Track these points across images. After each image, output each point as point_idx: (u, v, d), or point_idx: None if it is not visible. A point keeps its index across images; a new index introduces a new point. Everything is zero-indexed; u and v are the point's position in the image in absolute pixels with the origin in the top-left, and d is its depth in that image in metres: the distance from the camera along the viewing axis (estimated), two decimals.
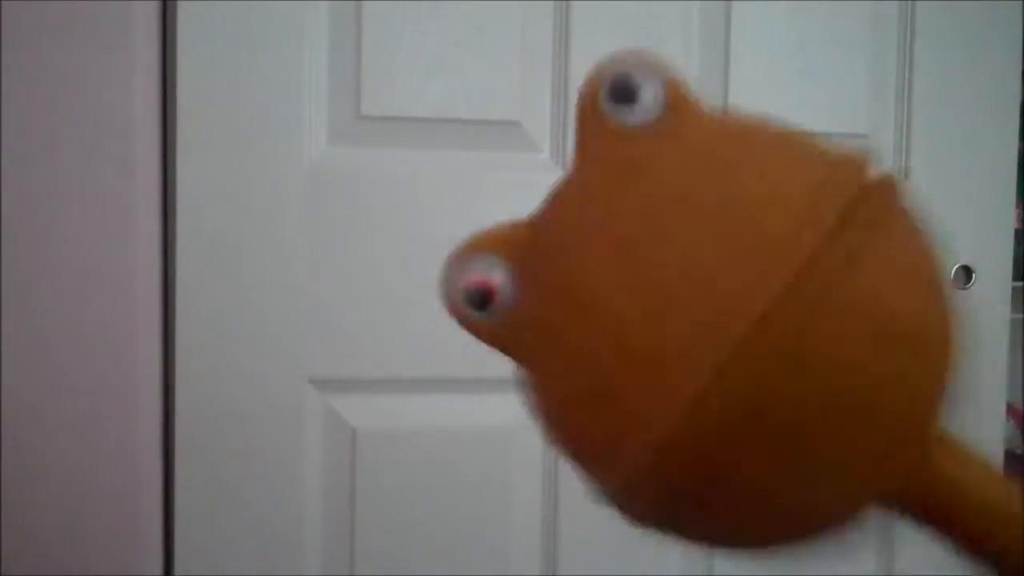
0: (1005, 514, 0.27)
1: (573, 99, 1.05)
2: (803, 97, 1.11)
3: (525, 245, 0.25)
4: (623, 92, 0.24)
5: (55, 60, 0.95)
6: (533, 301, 0.23)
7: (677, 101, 0.24)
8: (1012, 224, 1.17)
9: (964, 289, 1.15)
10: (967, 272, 1.15)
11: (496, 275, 0.24)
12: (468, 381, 1.05)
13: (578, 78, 1.05)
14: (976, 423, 1.17)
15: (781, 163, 0.25)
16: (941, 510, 0.28)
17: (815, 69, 1.11)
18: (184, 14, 0.98)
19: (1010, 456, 1.30)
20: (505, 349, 0.24)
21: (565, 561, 1.09)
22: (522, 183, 1.06)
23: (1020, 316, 1.39)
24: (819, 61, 1.11)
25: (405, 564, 1.05)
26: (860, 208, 0.24)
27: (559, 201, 0.26)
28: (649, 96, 0.24)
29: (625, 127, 0.24)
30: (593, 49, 1.05)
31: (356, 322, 1.03)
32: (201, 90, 0.98)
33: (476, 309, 0.24)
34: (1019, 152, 1.17)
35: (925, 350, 0.25)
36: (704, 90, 1.09)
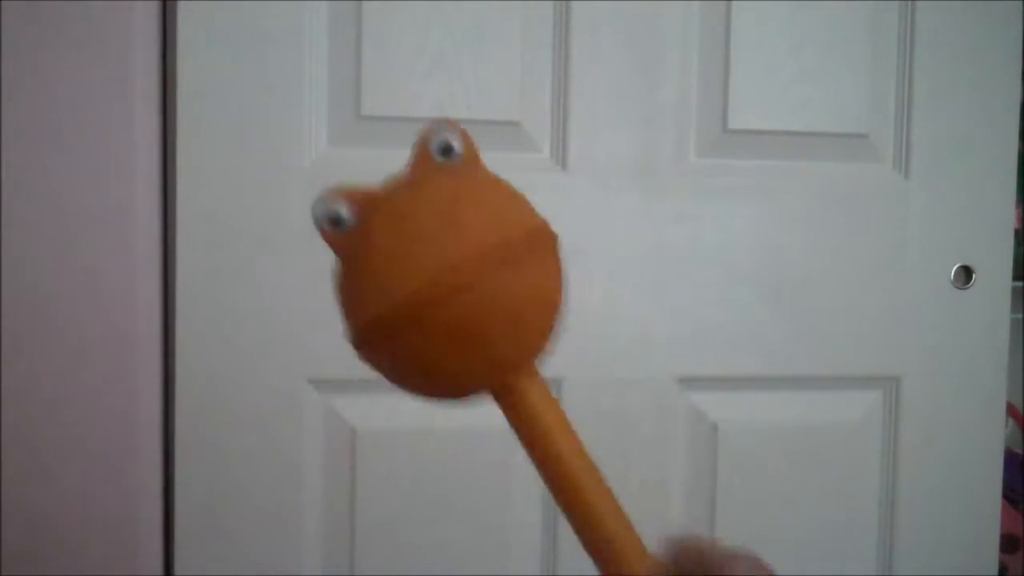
0: (546, 432, 0.45)
1: (573, 99, 1.05)
2: (803, 97, 1.11)
3: (364, 198, 0.44)
4: (445, 149, 0.47)
5: (55, 60, 0.95)
6: (357, 227, 0.43)
7: (471, 156, 0.48)
8: (1012, 224, 1.17)
9: (964, 289, 1.15)
10: (967, 272, 1.15)
11: (343, 210, 0.44)
12: None
13: (578, 78, 1.05)
14: (976, 423, 1.17)
15: (494, 203, 0.46)
16: (516, 414, 0.46)
17: (815, 69, 1.11)
18: (184, 14, 0.98)
19: (1010, 456, 1.30)
20: (337, 251, 0.44)
21: (565, 561, 1.09)
22: (522, 183, 1.05)
23: (1020, 316, 1.39)
24: (819, 61, 1.11)
25: (405, 564, 1.05)
26: (525, 241, 0.44)
27: (391, 183, 0.45)
28: (455, 151, 0.47)
29: (443, 163, 0.46)
30: (593, 49, 1.05)
31: None
32: (201, 90, 0.98)
33: (332, 228, 0.44)
34: (1019, 152, 1.17)
35: (531, 325, 0.44)
36: (704, 90, 1.09)
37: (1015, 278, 1.20)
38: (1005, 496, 1.25)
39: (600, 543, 0.45)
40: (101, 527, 0.99)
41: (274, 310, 1.01)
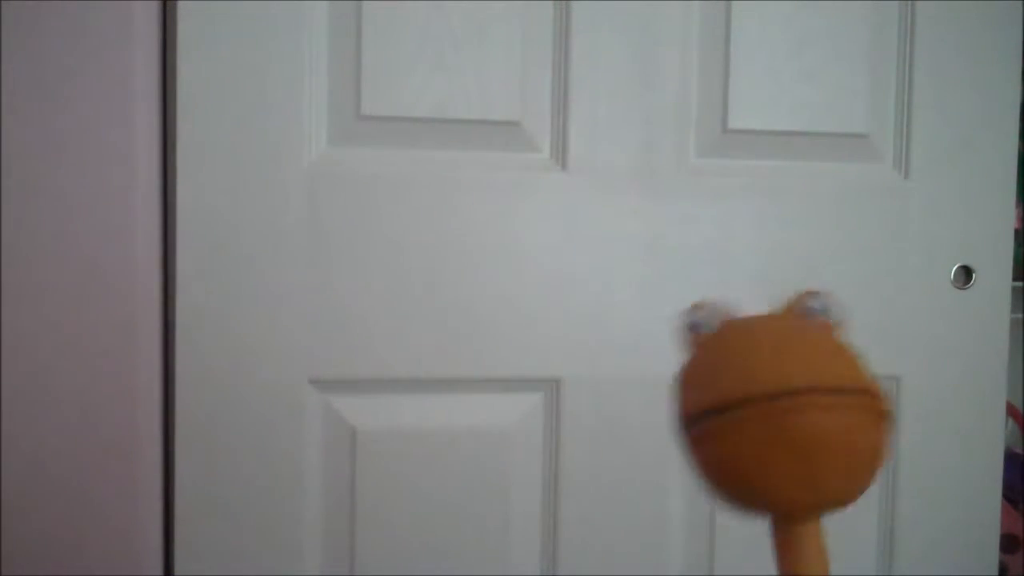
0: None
1: (573, 99, 1.05)
2: (803, 97, 1.11)
3: (727, 315, 0.51)
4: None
5: (55, 60, 0.95)
6: (715, 333, 0.50)
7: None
8: (1012, 224, 1.17)
9: (964, 289, 1.16)
10: (967, 272, 1.15)
11: (705, 316, 0.51)
12: (468, 381, 1.05)
13: (578, 78, 1.05)
14: (976, 423, 1.17)
15: (839, 353, 0.50)
16: (791, 555, 0.47)
17: (815, 69, 1.11)
18: (184, 14, 0.98)
19: (1010, 456, 1.30)
20: (690, 348, 0.50)
21: (565, 561, 1.09)
22: (522, 183, 1.06)
23: (1020, 316, 1.39)
24: (819, 61, 1.11)
25: (405, 564, 1.06)
26: (862, 392, 0.47)
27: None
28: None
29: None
30: (593, 49, 1.05)
31: (356, 322, 1.03)
32: (201, 90, 0.99)
33: (691, 329, 0.51)
34: (1019, 152, 1.17)
35: (845, 472, 0.46)
36: (704, 90, 1.09)
37: (1015, 278, 1.20)
38: (1005, 496, 1.25)
39: None
40: (101, 527, 0.99)
41: (274, 310, 1.01)
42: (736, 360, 0.48)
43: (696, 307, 0.50)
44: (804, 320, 0.51)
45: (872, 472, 0.47)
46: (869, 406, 0.47)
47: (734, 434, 0.46)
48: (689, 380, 0.49)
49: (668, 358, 1.09)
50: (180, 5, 0.97)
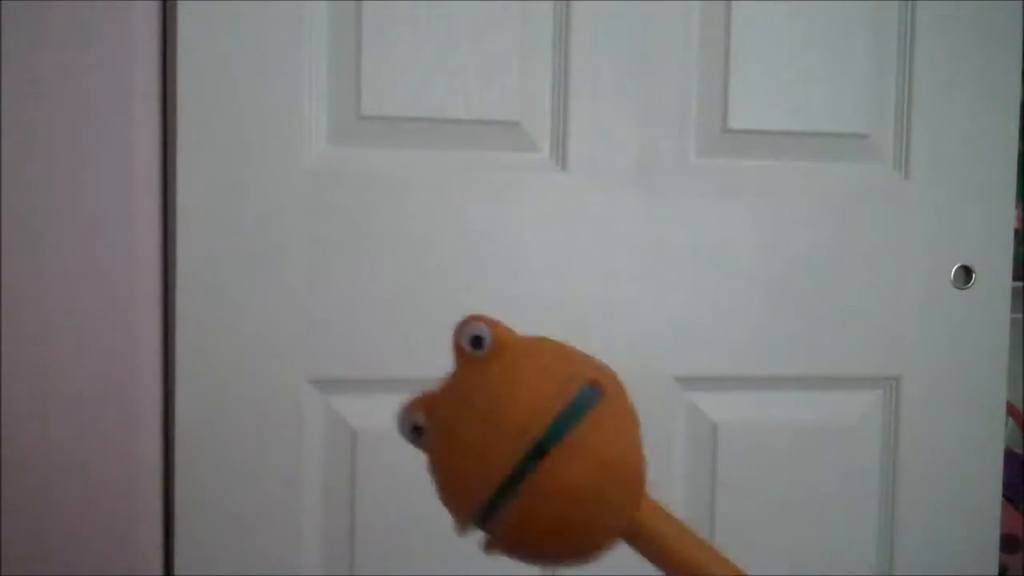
0: (683, 554, 0.47)
1: (573, 99, 1.05)
2: (803, 97, 1.11)
3: (431, 400, 0.48)
4: (475, 340, 0.48)
5: (55, 60, 0.95)
6: (433, 430, 0.48)
7: (498, 342, 0.48)
8: (1012, 224, 1.17)
9: (964, 289, 1.15)
10: (967, 272, 1.15)
11: (420, 419, 0.49)
12: None
13: (578, 78, 1.05)
14: (976, 423, 1.17)
15: (536, 370, 0.47)
16: (649, 547, 0.47)
17: (815, 69, 1.11)
18: (184, 14, 0.98)
19: (1010, 456, 1.30)
20: (423, 450, 0.49)
21: None
22: (522, 183, 1.06)
23: (1020, 316, 1.39)
24: (819, 61, 1.11)
25: (405, 564, 1.05)
26: (580, 400, 0.46)
27: (444, 384, 0.48)
28: (485, 341, 0.48)
29: (473, 354, 0.48)
30: (593, 49, 1.05)
31: (356, 322, 1.03)
32: (201, 90, 0.98)
33: (413, 434, 0.49)
34: (1019, 152, 1.17)
35: (621, 475, 0.45)
36: (704, 90, 1.09)
37: (1015, 278, 1.20)
38: (1005, 496, 1.25)
39: None
40: (101, 527, 0.99)
41: (274, 310, 1.01)
42: (458, 467, 0.47)
43: (402, 415, 0.49)
44: (477, 363, 0.47)
45: (638, 434, 0.48)
46: (605, 403, 0.47)
47: (513, 534, 0.45)
48: (442, 493, 0.49)
49: (668, 358, 1.10)
50: (180, 5, 0.97)
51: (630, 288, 1.08)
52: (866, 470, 1.15)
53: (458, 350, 0.48)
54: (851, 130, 1.12)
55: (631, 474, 0.46)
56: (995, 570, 1.19)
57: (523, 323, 1.15)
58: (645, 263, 1.08)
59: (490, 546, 0.47)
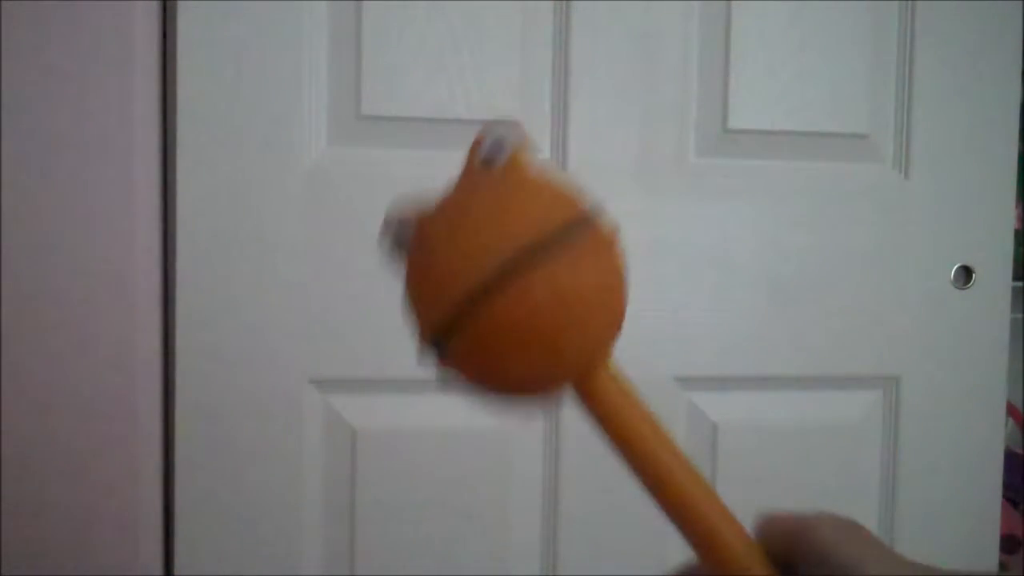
0: (631, 425, 0.48)
1: (573, 99, 1.05)
2: (803, 97, 1.11)
3: (417, 213, 0.45)
4: (491, 151, 0.46)
5: (55, 60, 0.95)
6: (416, 237, 0.44)
7: (514, 159, 0.46)
8: (1012, 224, 1.17)
9: (964, 289, 1.15)
10: (967, 272, 1.15)
11: (407, 228, 0.45)
12: None
13: (578, 78, 1.05)
14: (976, 423, 1.17)
15: (530, 195, 0.44)
16: (598, 407, 0.46)
17: (815, 69, 1.11)
18: (184, 14, 0.98)
19: (1010, 456, 1.30)
20: (399, 255, 0.45)
21: (565, 561, 1.09)
22: None
23: (1020, 316, 1.39)
24: (819, 61, 1.11)
25: (405, 564, 1.06)
26: (567, 230, 0.43)
27: (446, 191, 0.46)
28: (498, 159, 0.46)
29: (484, 167, 0.45)
30: (593, 49, 1.05)
31: (356, 322, 1.03)
32: (201, 90, 0.98)
33: (396, 243, 0.45)
34: (1019, 152, 1.17)
35: (588, 319, 0.43)
36: (704, 90, 1.09)
37: (1015, 278, 1.20)
38: (1005, 496, 1.25)
39: (703, 537, 0.46)
40: (101, 527, 0.99)
41: (274, 310, 1.01)
42: (433, 274, 0.43)
43: (388, 222, 0.45)
44: (483, 176, 0.45)
45: (620, 287, 0.46)
46: (585, 234, 0.44)
47: (474, 349, 0.43)
48: (409, 304, 0.46)
49: (668, 358, 1.09)
50: (180, 6, 0.97)
51: (630, 288, 1.08)
52: (866, 470, 1.15)
53: (470, 158, 0.46)
54: (851, 130, 1.12)
55: (599, 323, 0.44)
56: (995, 570, 1.19)
57: None
58: (645, 263, 1.08)
59: (441, 366, 0.46)
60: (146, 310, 0.99)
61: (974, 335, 1.16)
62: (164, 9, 0.98)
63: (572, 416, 1.11)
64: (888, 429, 1.16)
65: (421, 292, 0.44)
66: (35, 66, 0.95)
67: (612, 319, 0.45)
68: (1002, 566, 1.42)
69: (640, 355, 1.09)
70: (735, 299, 1.10)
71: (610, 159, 1.07)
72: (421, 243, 0.44)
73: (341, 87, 1.02)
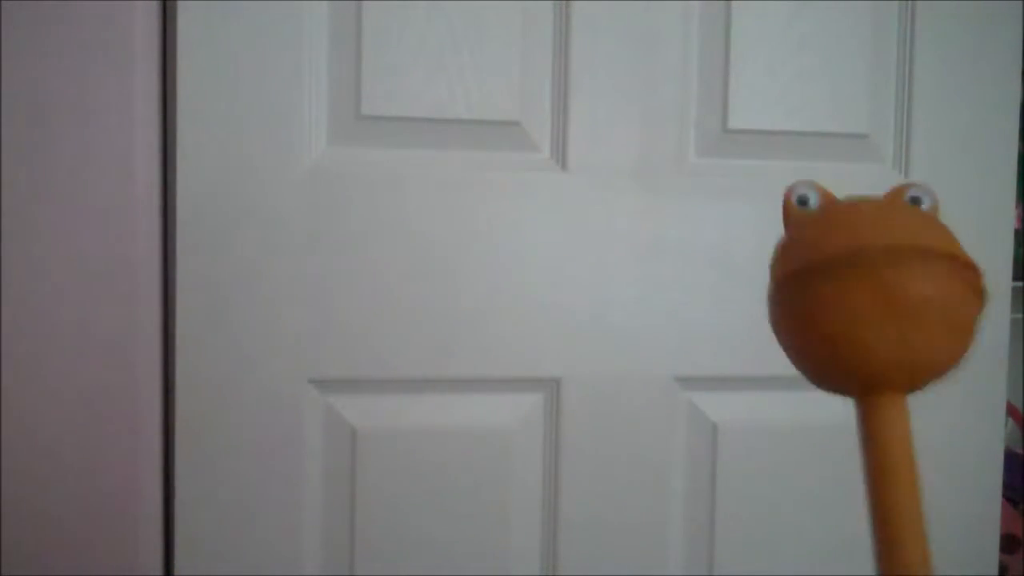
0: (889, 468, 0.47)
1: (573, 99, 1.05)
2: (803, 97, 1.11)
3: (830, 195, 0.50)
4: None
5: (55, 60, 0.95)
6: (817, 211, 0.49)
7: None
8: (1012, 224, 1.17)
9: None
10: None
11: (814, 197, 0.49)
12: (468, 381, 1.05)
13: (578, 78, 1.05)
14: (976, 423, 1.17)
15: (934, 225, 0.49)
16: (872, 430, 0.48)
17: (815, 69, 1.11)
18: (184, 14, 0.98)
19: (1010, 456, 1.30)
20: (790, 224, 0.50)
21: (565, 561, 1.09)
22: (522, 183, 1.06)
23: (1020, 316, 1.39)
24: (819, 61, 1.11)
25: (405, 564, 1.06)
26: (954, 256, 0.47)
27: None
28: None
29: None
30: (593, 49, 1.05)
31: (356, 322, 1.03)
32: (201, 90, 0.99)
33: (799, 205, 0.50)
34: (1019, 152, 1.17)
35: (934, 333, 0.44)
36: (704, 90, 1.08)
37: (1015, 278, 1.20)
38: (1005, 496, 1.25)
39: (898, 565, 0.46)
40: (101, 527, 0.99)
41: (274, 310, 1.01)
42: (838, 226, 0.47)
43: (802, 183, 0.50)
44: (906, 204, 0.51)
45: (966, 344, 0.46)
46: (969, 279, 0.47)
47: (832, 289, 0.45)
48: (787, 248, 0.49)
49: (668, 358, 1.10)
50: (180, 6, 0.97)
51: (630, 288, 1.08)
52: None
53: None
54: (851, 130, 1.12)
55: (930, 349, 0.45)
56: (995, 570, 1.19)
57: (523, 322, 1.16)
58: (645, 263, 1.08)
59: (789, 301, 0.48)
60: (146, 309, 0.99)
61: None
62: (164, 9, 0.98)
63: (572, 415, 1.12)
64: None
65: (811, 239, 0.47)
66: (35, 66, 0.95)
67: (949, 354, 0.46)
68: (1002, 566, 1.42)
69: (640, 355, 1.09)
70: (735, 299, 1.10)
71: (610, 159, 1.07)
72: (830, 211, 0.48)
73: (341, 87, 1.02)
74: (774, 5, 1.09)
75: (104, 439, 0.98)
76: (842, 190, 1.17)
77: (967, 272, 0.46)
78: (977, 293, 0.47)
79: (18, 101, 0.95)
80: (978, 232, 1.15)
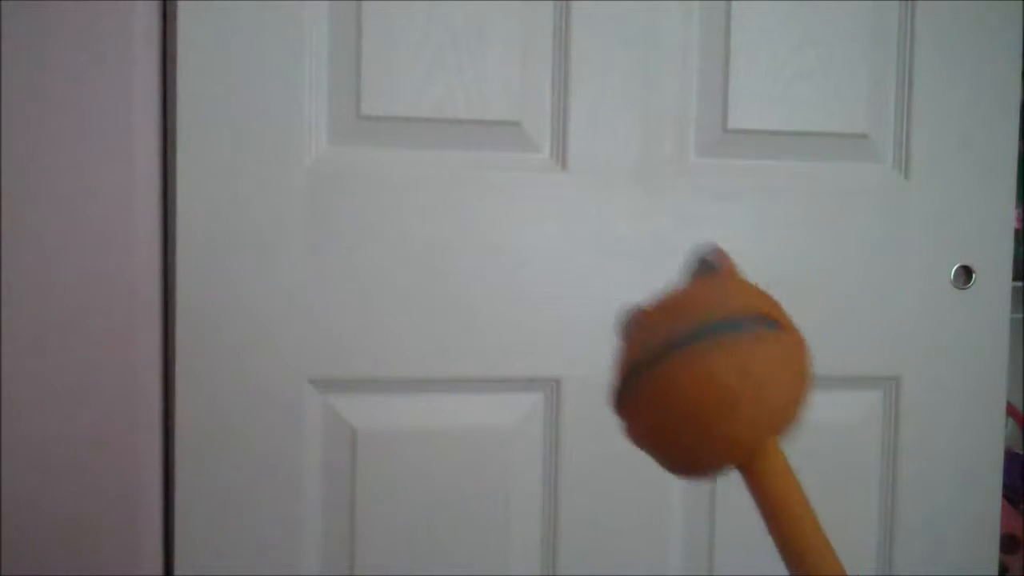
0: (788, 508, 0.48)
1: (573, 99, 1.05)
2: (803, 97, 1.11)
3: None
4: (704, 265, 0.53)
5: (55, 60, 0.95)
6: (642, 311, 0.53)
7: (725, 268, 0.52)
8: (1012, 224, 1.17)
9: (964, 289, 1.16)
10: (967, 272, 1.15)
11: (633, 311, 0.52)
12: (468, 381, 1.05)
13: (578, 78, 1.05)
14: (976, 423, 1.17)
15: (726, 291, 0.50)
16: (760, 486, 0.48)
17: (815, 69, 1.11)
18: (184, 14, 0.98)
19: (1010, 456, 1.30)
20: (622, 338, 0.53)
21: (565, 561, 1.09)
22: (522, 183, 1.06)
23: (1020, 316, 1.39)
24: (819, 61, 1.11)
25: (405, 564, 1.06)
26: (760, 320, 0.49)
27: (678, 289, 0.52)
28: (712, 266, 0.52)
29: (700, 276, 0.52)
30: (593, 49, 1.05)
31: (356, 322, 1.03)
32: (201, 90, 0.99)
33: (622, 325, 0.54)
34: (1019, 152, 1.17)
35: (762, 397, 0.47)
36: (704, 90, 1.08)
37: (1015, 278, 1.20)
38: (1005, 496, 1.25)
39: None
40: (101, 527, 0.99)
41: (274, 310, 1.01)
42: (644, 327, 0.50)
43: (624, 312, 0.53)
44: (705, 278, 0.53)
45: (804, 386, 0.49)
46: (777, 336, 0.49)
47: (658, 389, 0.48)
48: (625, 351, 0.53)
49: None
50: (180, 5, 0.97)
51: (630, 288, 1.08)
52: (866, 470, 1.15)
53: (690, 268, 0.54)
54: (851, 130, 1.12)
55: (772, 404, 0.47)
56: (995, 570, 1.20)
57: (523, 322, 1.15)
58: (645, 263, 1.08)
59: (620, 415, 0.51)
60: (146, 309, 0.99)
61: (974, 335, 1.16)
62: (164, 9, 0.98)
63: (572, 415, 1.12)
64: (888, 429, 1.16)
65: (629, 345, 0.51)
66: (35, 66, 0.95)
67: (780, 405, 0.48)
68: (1002, 566, 1.42)
69: None
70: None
71: (610, 159, 1.07)
72: (644, 313, 0.51)
73: (341, 87, 1.02)
74: (774, 5, 1.09)
75: (104, 439, 0.98)
76: (842, 190, 1.18)
77: (771, 325, 0.49)
78: (789, 330, 0.50)
79: (18, 101, 0.95)
80: (978, 232, 1.16)
